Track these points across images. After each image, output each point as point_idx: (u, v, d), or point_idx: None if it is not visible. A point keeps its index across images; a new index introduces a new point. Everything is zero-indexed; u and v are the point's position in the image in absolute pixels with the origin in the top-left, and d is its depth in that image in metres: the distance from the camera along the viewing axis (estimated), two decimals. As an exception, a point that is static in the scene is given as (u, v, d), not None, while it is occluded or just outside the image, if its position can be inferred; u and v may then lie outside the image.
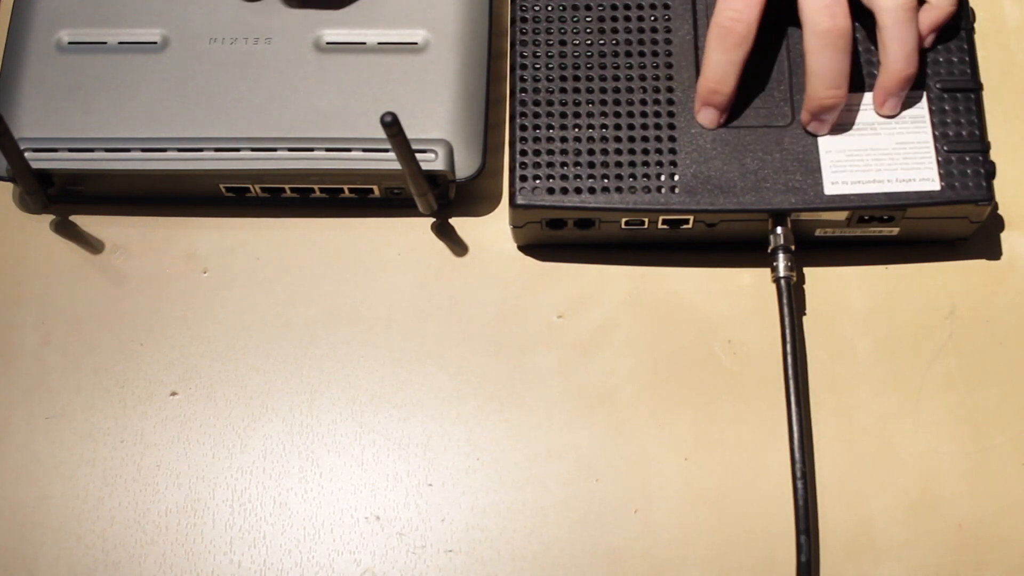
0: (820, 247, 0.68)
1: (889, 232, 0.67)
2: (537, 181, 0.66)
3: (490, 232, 0.70)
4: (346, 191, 0.69)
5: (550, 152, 0.66)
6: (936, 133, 0.66)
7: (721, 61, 0.65)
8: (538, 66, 0.68)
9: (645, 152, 0.66)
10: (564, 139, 0.66)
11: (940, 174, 0.65)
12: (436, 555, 0.64)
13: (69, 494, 0.65)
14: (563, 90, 0.67)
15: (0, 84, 0.70)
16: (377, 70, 0.69)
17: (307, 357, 0.68)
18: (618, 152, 0.66)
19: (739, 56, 0.65)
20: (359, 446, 0.66)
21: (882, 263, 0.69)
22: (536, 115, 0.67)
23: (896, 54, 0.65)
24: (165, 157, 0.67)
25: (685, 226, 0.67)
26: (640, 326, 0.68)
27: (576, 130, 0.67)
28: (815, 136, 0.66)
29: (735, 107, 0.67)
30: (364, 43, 0.70)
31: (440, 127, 0.68)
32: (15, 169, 0.66)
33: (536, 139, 0.66)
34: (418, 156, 0.65)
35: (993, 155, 0.66)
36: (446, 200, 0.70)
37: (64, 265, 0.70)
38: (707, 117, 0.66)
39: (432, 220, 0.71)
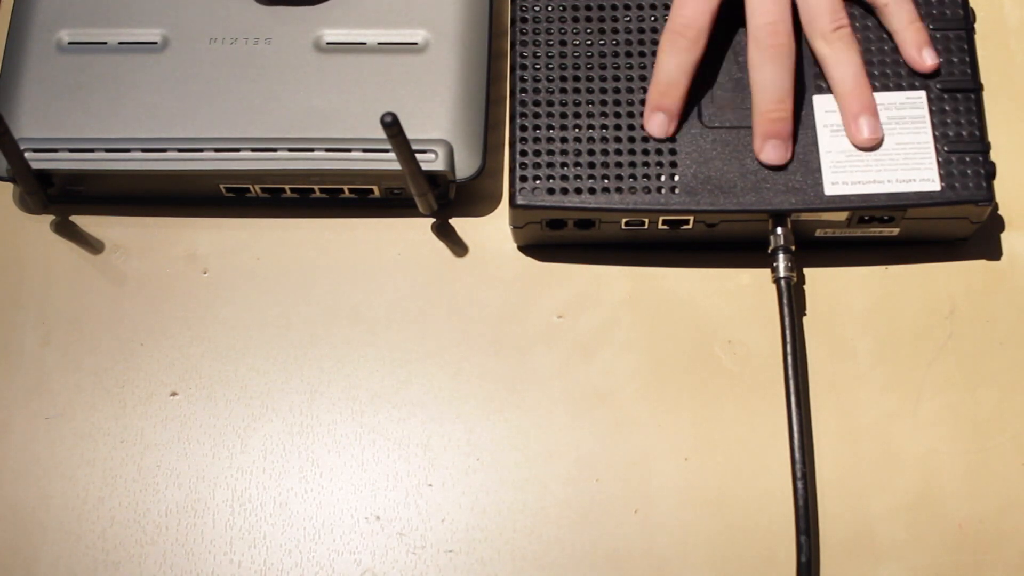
0: (820, 247, 0.68)
1: (889, 232, 0.67)
2: (537, 181, 0.66)
3: (490, 232, 0.70)
4: (346, 191, 0.69)
5: (550, 152, 0.66)
6: (936, 133, 0.66)
7: (670, 65, 0.66)
8: (538, 66, 0.68)
9: (645, 152, 0.66)
10: (564, 139, 0.66)
11: (940, 174, 0.65)
12: (436, 555, 0.64)
13: (69, 494, 0.65)
14: (563, 90, 0.67)
15: (0, 84, 0.70)
16: (377, 70, 0.69)
17: (307, 357, 0.68)
18: (618, 152, 0.66)
19: (689, 60, 0.66)
20: (359, 446, 0.66)
21: (882, 263, 0.69)
22: (536, 115, 0.67)
23: (841, 77, 0.66)
24: (165, 157, 0.67)
25: (685, 226, 0.67)
26: (640, 326, 0.68)
27: (576, 130, 0.67)
28: (775, 168, 0.65)
29: (736, 108, 0.67)
30: (364, 43, 0.70)
31: (440, 127, 0.68)
32: (15, 169, 0.66)
33: (536, 139, 0.66)
34: (418, 156, 0.65)
35: (993, 155, 0.66)
36: (446, 200, 0.70)
37: (64, 265, 0.70)
38: (656, 123, 0.66)
39: (432, 220, 0.71)
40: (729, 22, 0.68)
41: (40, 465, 0.66)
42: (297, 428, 0.66)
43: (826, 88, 0.67)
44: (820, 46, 0.66)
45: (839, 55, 0.66)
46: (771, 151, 0.65)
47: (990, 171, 0.65)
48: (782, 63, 0.66)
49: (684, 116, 0.66)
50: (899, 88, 0.67)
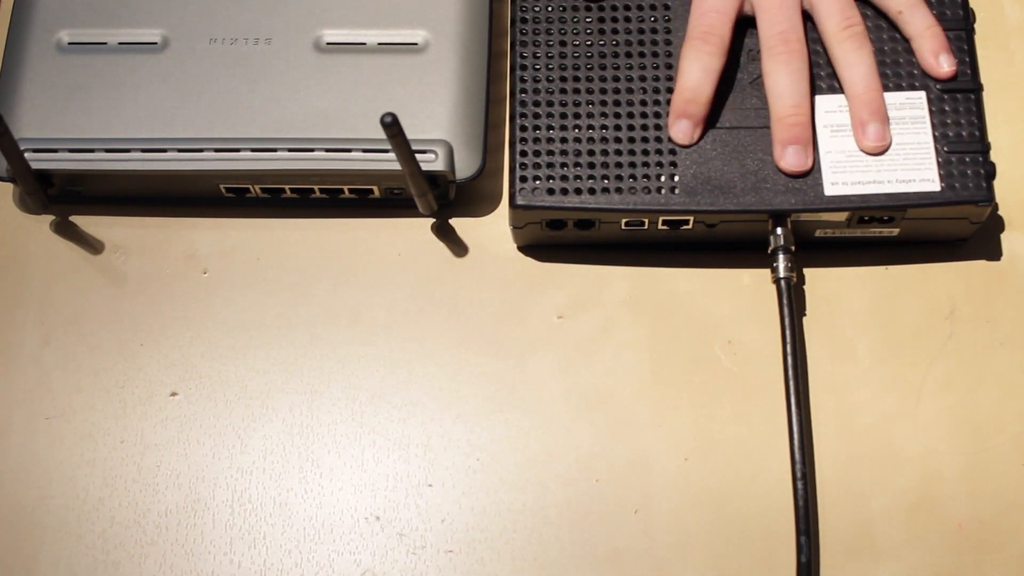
0: (820, 248, 0.68)
1: (889, 233, 0.67)
2: (537, 182, 0.66)
3: (490, 232, 0.70)
4: (346, 191, 0.69)
5: (550, 152, 0.66)
6: (936, 134, 0.66)
7: (695, 71, 0.66)
8: (538, 66, 0.68)
9: (645, 152, 0.66)
10: (564, 139, 0.66)
11: (940, 175, 0.65)
12: (436, 555, 0.64)
13: (69, 494, 0.65)
14: (563, 90, 0.67)
15: (0, 84, 0.70)
16: (377, 70, 0.69)
17: (307, 357, 0.68)
18: (618, 152, 0.66)
19: (713, 67, 0.66)
20: (359, 446, 0.66)
21: (882, 263, 0.69)
22: (536, 115, 0.67)
23: (851, 79, 0.66)
24: (165, 157, 0.67)
25: (685, 227, 0.67)
26: (640, 326, 0.68)
27: (576, 130, 0.67)
28: (796, 176, 0.65)
29: (735, 109, 0.67)
30: (364, 43, 0.70)
31: (440, 127, 0.68)
32: (15, 169, 0.66)
33: (536, 139, 0.66)
34: (418, 156, 0.65)
35: (993, 155, 0.66)
36: (446, 200, 0.70)
37: (64, 265, 0.70)
38: (681, 131, 0.66)
39: (432, 220, 0.71)
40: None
41: (40, 465, 0.66)
42: (297, 428, 0.66)
43: (825, 88, 0.67)
44: (831, 47, 0.67)
45: (848, 56, 0.66)
46: (791, 157, 0.65)
47: (990, 171, 0.65)
48: (795, 68, 0.66)
49: (708, 123, 0.66)
50: (899, 88, 0.67)
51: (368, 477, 0.66)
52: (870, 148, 0.65)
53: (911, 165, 0.65)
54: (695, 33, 0.66)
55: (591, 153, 0.66)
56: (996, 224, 0.70)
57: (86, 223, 0.71)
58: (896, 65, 0.67)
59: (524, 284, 0.69)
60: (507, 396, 0.67)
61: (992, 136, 0.66)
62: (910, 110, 0.66)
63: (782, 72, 0.66)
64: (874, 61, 0.66)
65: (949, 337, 0.68)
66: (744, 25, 0.68)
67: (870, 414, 0.66)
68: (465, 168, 0.68)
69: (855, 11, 0.67)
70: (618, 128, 0.67)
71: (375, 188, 0.69)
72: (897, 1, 0.67)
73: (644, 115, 0.67)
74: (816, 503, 0.64)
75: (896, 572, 0.63)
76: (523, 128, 0.67)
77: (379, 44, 0.70)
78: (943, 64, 0.66)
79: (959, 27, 0.68)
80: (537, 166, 0.66)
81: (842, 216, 0.66)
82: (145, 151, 0.67)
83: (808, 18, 0.68)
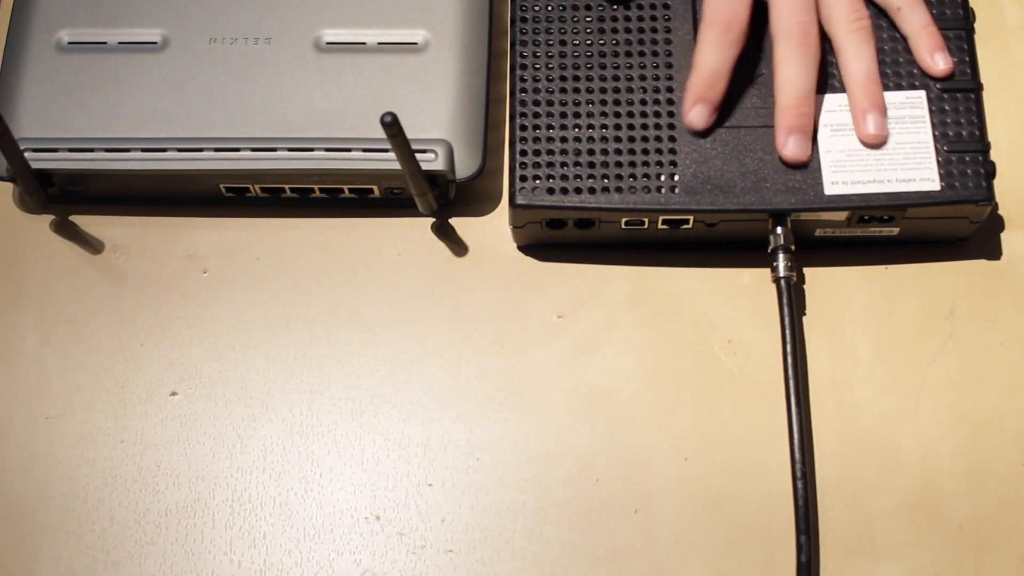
0: (820, 247, 0.68)
1: (889, 232, 0.67)
2: (537, 181, 0.66)
3: (490, 232, 0.70)
4: (346, 191, 0.69)
5: (550, 152, 0.66)
6: (936, 133, 0.66)
7: (715, 58, 0.66)
8: (538, 66, 0.68)
9: (645, 152, 0.66)
10: (564, 139, 0.66)
11: (940, 174, 0.65)
12: (436, 555, 0.64)
13: (69, 494, 0.65)
14: (563, 90, 0.67)
15: (0, 84, 0.70)
16: (377, 70, 0.69)
17: (307, 357, 0.68)
18: (618, 152, 0.66)
19: (733, 54, 0.66)
20: (359, 446, 0.66)
21: (882, 263, 0.69)
22: (536, 115, 0.67)
23: (855, 71, 0.66)
24: (165, 157, 0.67)
25: (685, 226, 0.67)
26: (640, 326, 0.68)
27: (576, 130, 0.67)
28: (795, 166, 0.65)
29: (736, 108, 0.67)
30: (364, 43, 0.70)
31: (440, 127, 0.68)
32: (15, 169, 0.66)
33: (536, 139, 0.66)
34: (418, 156, 0.65)
35: (993, 155, 0.66)
36: (446, 200, 0.70)
37: (64, 265, 0.70)
38: (699, 115, 0.66)
39: (432, 220, 0.71)
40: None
41: (40, 465, 0.66)
42: (297, 428, 0.66)
43: (826, 88, 0.67)
44: (839, 37, 0.66)
45: (856, 47, 0.66)
46: (794, 146, 0.65)
47: (990, 171, 0.65)
48: (810, 62, 0.66)
49: (721, 112, 0.66)
50: (899, 88, 0.67)
51: (368, 477, 0.66)
52: (870, 138, 0.65)
53: (911, 164, 0.65)
54: (715, 19, 0.66)
55: (591, 153, 0.66)
56: (996, 224, 0.70)
57: (86, 223, 0.71)
58: (896, 64, 0.67)
59: (524, 284, 0.69)
60: (507, 396, 0.67)
61: (992, 136, 0.66)
62: (910, 109, 0.66)
63: (796, 61, 0.66)
64: (876, 58, 0.66)
65: (949, 337, 0.68)
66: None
67: (870, 414, 0.66)
68: (465, 168, 0.68)
69: (863, 5, 0.67)
70: (618, 128, 0.67)
71: (375, 188, 0.69)
72: None
73: (644, 115, 0.67)
74: (816, 502, 0.64)
75: (896, 572, 0.63)
76: (523, 128, 0.67)
77: (379, 44, 0.70)
78: (939, 62, 0.66)
79: (959, 27, 0.68)
80: (537, 165, 0.66)
81: (842, 215, 0.66)
82: (145, 151, 0.67)
83: None
